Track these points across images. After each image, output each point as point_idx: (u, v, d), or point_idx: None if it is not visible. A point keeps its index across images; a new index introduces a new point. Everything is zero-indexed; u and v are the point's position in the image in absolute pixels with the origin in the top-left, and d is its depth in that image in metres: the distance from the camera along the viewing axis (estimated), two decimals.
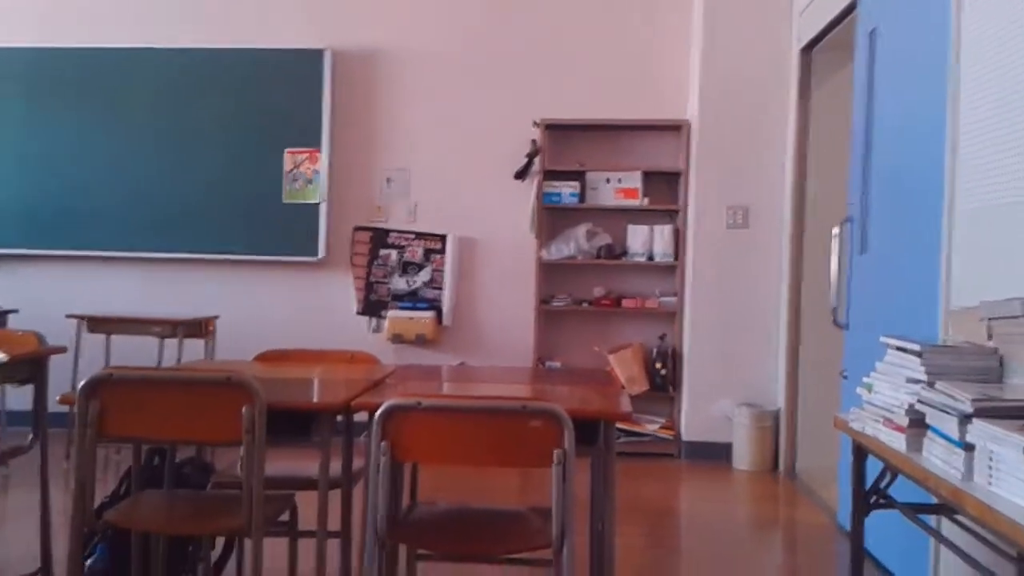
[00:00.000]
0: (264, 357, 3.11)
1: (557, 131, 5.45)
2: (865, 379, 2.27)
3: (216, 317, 5.14)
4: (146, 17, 5.66)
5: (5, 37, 5.67)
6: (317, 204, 5.48)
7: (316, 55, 5.48)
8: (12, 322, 5.23)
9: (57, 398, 2.38)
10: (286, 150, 5.51)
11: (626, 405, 2.28)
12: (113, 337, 5.05)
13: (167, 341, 5.02)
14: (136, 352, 5.33)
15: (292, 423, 2.32)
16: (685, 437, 5.13)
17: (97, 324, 4.83)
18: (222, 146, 5.51)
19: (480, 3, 5.53)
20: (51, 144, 5.58)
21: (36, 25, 5.70)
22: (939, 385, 1.91)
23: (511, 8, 5.52)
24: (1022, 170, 2.33)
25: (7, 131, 5.59)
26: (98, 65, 5.57)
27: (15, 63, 5.60)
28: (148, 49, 5.55)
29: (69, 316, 4.88)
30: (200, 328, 4.95)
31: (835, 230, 3.81)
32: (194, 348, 5.08)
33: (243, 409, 2.15)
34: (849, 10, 3.94)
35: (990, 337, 2.14)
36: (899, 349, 2.15)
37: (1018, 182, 2.34)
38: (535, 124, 5.36)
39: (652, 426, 5.21)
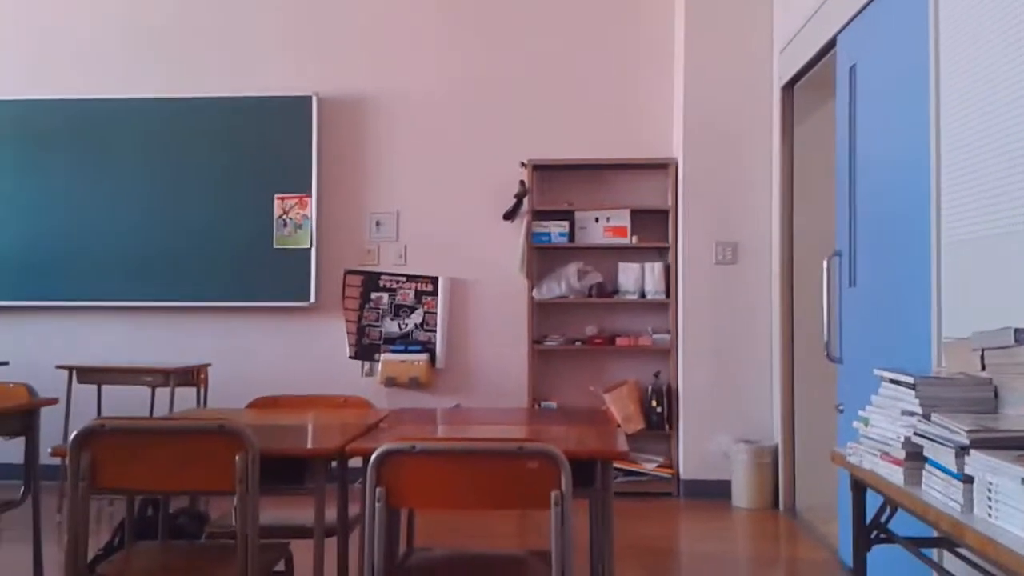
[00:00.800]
0: (256, 404, 3.10)
1: (545, 171, 5.49)
2: (861, 413, 2.27)
3: (208, 365, 5.11)
4: (133, 67, 5.70)
5: None
6: (307, 249, 5.48)
7: (304, 101, 5.52)
8: (2, 374, 5.19)
9: (49, 450, 2.36)
10: (275, 195, 5.52)
11: (623, 444, 2.27)
12: (104, 387, 5.02)
13: (159, 390, 4.99)
14: (128, 401, 5.29)
15: (286, 470, 2.31)
16: (683, 475, 5.11)
17: (88, 374, 4.80)
18: (212, 193, 5.53)
19: (465, 47, 5.60)
20: (40, 193, 5.58)
21: (24, 76, 5.73)
22: (935, 417, 1.91)
23: (496, 51, 5.59)
24: (1006, 201, 2.35)
25: None
26: (86, 115, 5.60)
27: (3, 114, 5.62)
28: (136, 99, 5.59)
29: (60, 367, 4.85)
30: (192, 376, 4.92)
31: (824, 264, 3.83)
32: (186, 396, 5.04)
33: (236, 457, 2.13)
34: (828, 47, 4.00)
35: (983, 367, 2.14)
36: (893, 382, 2.15)
37: (1003, 213, 2.37)
38: (523, 165, 5.40)
39: (650, 465, 5.18)
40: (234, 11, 5.68)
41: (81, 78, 5.71)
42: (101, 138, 5.59)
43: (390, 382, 5.38)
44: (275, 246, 5.49)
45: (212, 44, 5.68)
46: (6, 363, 5.22)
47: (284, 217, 5.50)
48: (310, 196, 5.50)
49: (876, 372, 2.25)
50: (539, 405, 5.35)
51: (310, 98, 5.52)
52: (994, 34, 2.42)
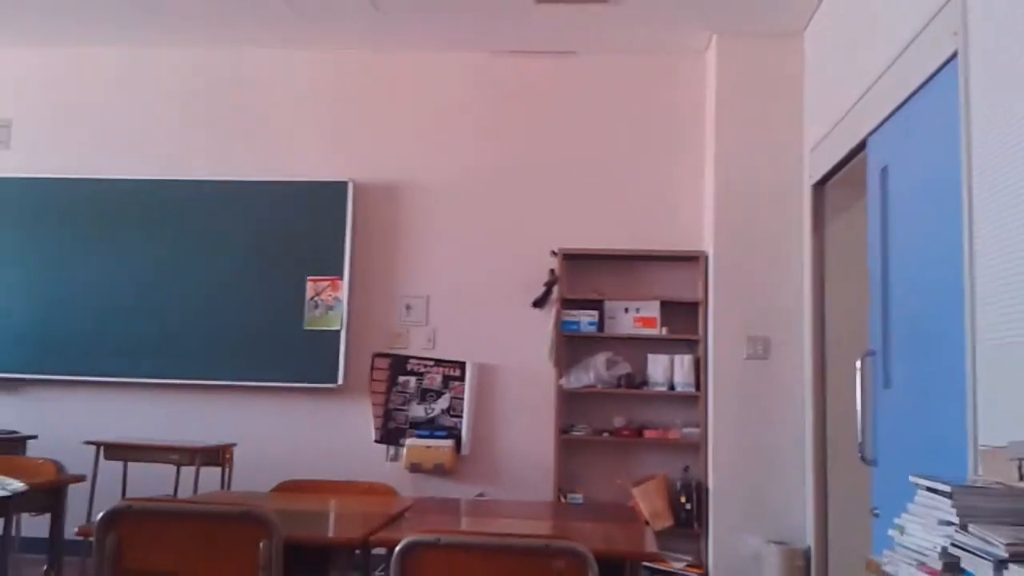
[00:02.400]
0: (282, 488, 3.09)
1: (575, 260, 5.53)
2: (897, 520, 2.22)
3: (234, 445, 5.12)
4: (176, 150, 5.87)
5: (36, 167, 5.88)
6: (338, 331, 5.53)
7: (340, 187, 5.64)
8: (31, 448, 5.23)
9: (75, 530, 2.36)
10: (308, 277, 5.60)
11: (652, 544, 2.23)
12: (130, 463, 5.03)
13: (184, 468, 4.99)
14: (153, 479, 5.29)
15: (309, 556, 2.29)
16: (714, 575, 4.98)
17: (115, 451, 4.82)
18: (246, 274, 5.62)
19: (498, 136, 5.72)
20: (75, 271, 5.70)
21: (68, 155, 5.91)
22: (972, 528, 1.86)
23: (528, 141, 5.70)
24: None
25: (32, 258, 5.72)
26: (124, 195, 5.75)
27: (41, 191, 5.79)
28: (176, 181, 5.74)
29: (87, 442, 4.87)
30: (218, 456, 4.93)
31: (858, 363, 3.79)
32: (211, 476, 5.04)
33: (260, 544, 2.12)
34: (859, 149, 4.04)
35: (1021, 478, 2.10)
36: (929, 489, 2.11)
37: None
38: (553, 253, 5.45)
39: (679, 564, 5.05)
40: (275, 100, 5.86)
41: (123, 159, 5.89)
42: (137, 217, 5.73)
43: (415, 468, 5.34)
44: (306, 327, 5.54)
45: (253, 130, 5.85)
46: (35, 437, 5.27)
47: (316, 299, 5.57)
48: (342, 279, 5.57)
49: (912, 479, 2.21)
50: (565, 497, 5.27)
51: (346, 184, 5.64)
52: None
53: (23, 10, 5.36)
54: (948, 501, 2.00)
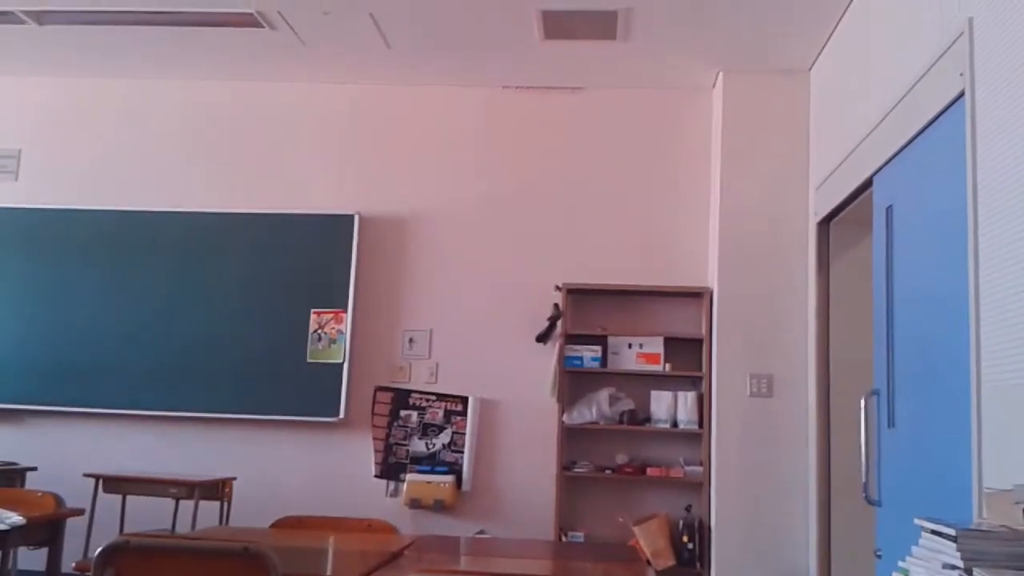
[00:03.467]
0: (281, 524, 3.06)
1: (579, 295, 5.53)
2: (901, 563, 2.19)
3: (233, 479, 5.08)
4: (181, 182, 5.90)
5: (44, 198, 5.91)
6: (340, 364, 5.52)
7: (347, 220, 5.66)
8: (31, 480, 5.21)
9: (73, 564, 2.34)
10: (312, 310, 5.60)
11: None
12: (129, 496, 5.00)
13: (183, 502, 4.96)
14: (151, 513, 5.26)
15: None
16: None
17: (114, 484, 4.78)
18: (248, 306, 5.62)
19: (503, 171, 5.74)
20: (80, 302, 5.70)
21: (72, 186, 5.94)
22: (976, 572, 1.84)
23: (533, 176, 5.72)
24: None
25: (37, 288, 5.73)
26: (129, 226, 5.77)
27: (47, 222, 5.81)
28: (179, 213, 5.76)
29: (87, 475, 4.84)
30: (217, 490, 4.90)
31: (862, 402, 3.77)
32: (210, 509, 5.00)
33: None
34: (864, 187, 4.05)
35: None
36: (934, 532, 2.08)
37: None
38: (557, 288, 5.45)
39: None
40: (283, 133, 5.90)
41: (130, 191, 5.92)
42: (137, 248, 5.74)
43: (414, 503, 5.30)
44: (308, 360, 5.53)
45: (261, 163, 5.88)
46: (35, 468, 5.24)
47: (319, 331, 5.56)
48: (346, 311, 5.57)
49: (917, 521, 2.19)
50: (566, 535, 5.22)
51: (353, 216, 5.66)
52: None
53: (34, 42, 5.43)
54: (953, 545, 1.98)
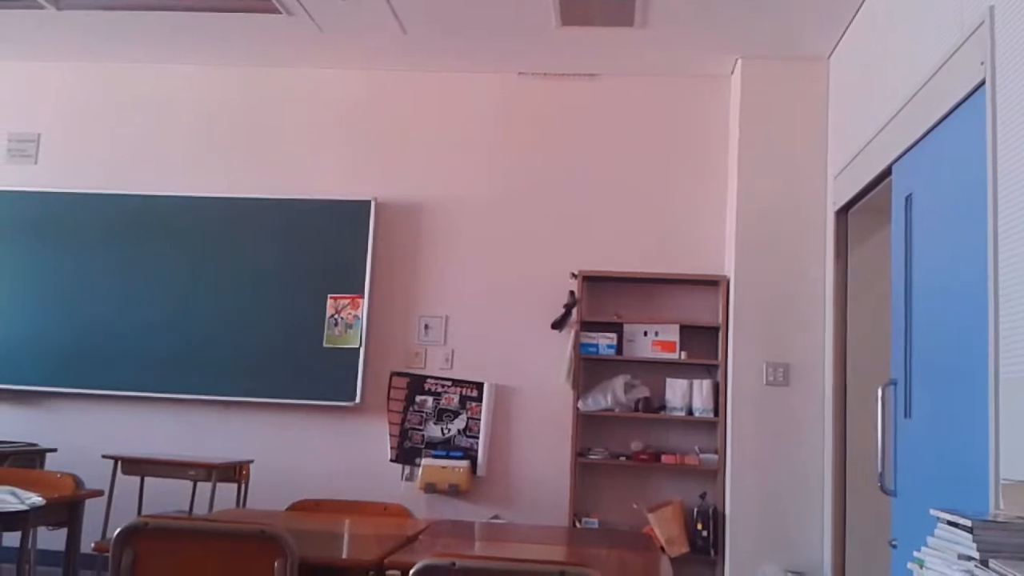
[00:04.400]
0: (297, 507, 3.09)
1: (595, 283, 5.53)
2: (916, 554, 2.19)
3: (250, 461, 5.13)
4: (198, 166, 5.93)
5: (63, 182, 5.95)
6: (356, 349, 5.54)
7: (363, 206, 5.67)
8: (50, 461, 5.27)
9: (92, 545, 2.37)
10: (329, 295, 5.62)
11: (667, 572, 2.21)
12: (147, 478, 5.05)
13: (200, 484, 5.00)
14: (169, 494, 5.31)
15: None
16: None
17: (133, 465, 4.83)
18: (266, 290, 5.65)
19: (520, 158, 5.74)
20: (99, 286, 5.75)
21: (92, 170, 5.98)
22: (992, 563, 1.84)
23: (550, 163, 5.71)
24: None
25: (56, 272, 5.78)
26: (147, 211, 5.80)
27: (66, 206, 5.85)
28: (198, 198, 5.78)
29: (105, 456, 4.90)
30: (234, 472, 4.94)
31: (879, 392, 3.76)
32: (227, 492, 5.05)
33: (275, 563, 2.12)
34: (883, 176, 4.02)
35: None
36: (950, 523, 2.08)
37: None
38: (573, 275, 5.44)
39: None
40: (301, 118, 5.91)
41: (148, 176, 5.95)
42: (158, 233, 5.78)
43: (429, 488, 5.33)
44: (325, 345, 5.56)
45: (278, 148, 5.90)
46: (54, 450, 5.30)
47: (336, 316, 5.59)
48: (362, 297, 5.59)
49: (933, 512, 2.18)
50: (580, 521, 5.24)
51: (369, 202, 5.67)
52: None
53: (52, 27, 5.45)
54: (969, 536, 1.98)
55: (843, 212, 4.84)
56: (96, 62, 6.08)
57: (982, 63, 2.87)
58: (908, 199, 3.64)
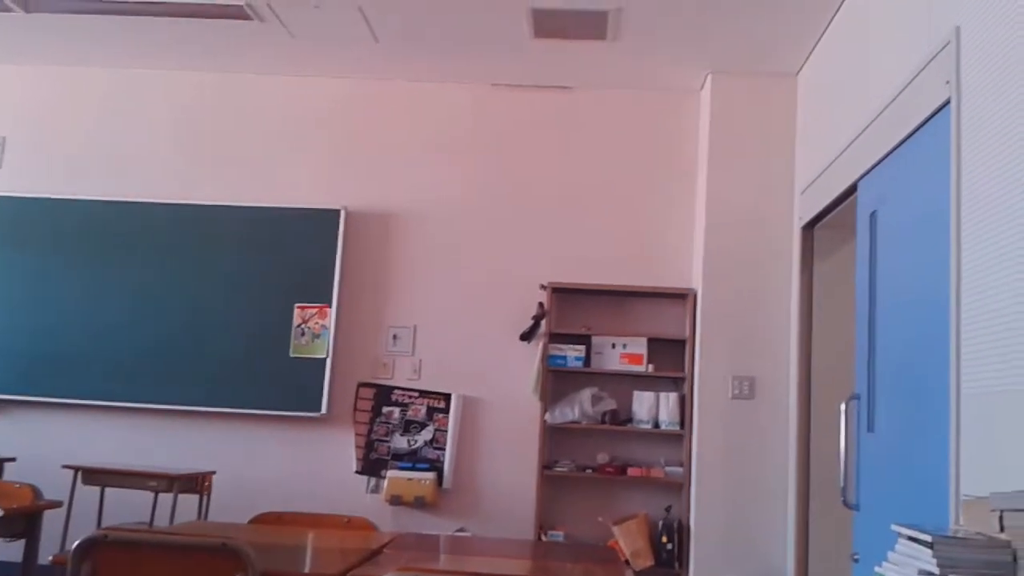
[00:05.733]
0: (260, 520, 3.05)
1: (564, 295, 5.54)
2: (877, 568, 2.20)
3: (213, 472, 5.06)
4: (165, 173, 5.86)
5: (26, 187, 5.86)
6: (323, 359, 5.50)
7: (332, 215, 5.64)
8: (8, 471, 5.17)
9: (50, 558, 2.32)
10: (296, 304, 5.58)
11: None
12: (108, 489, 4.97)
13: (162, 495, 4.93)
14: (130, 505, 5.23)
15: None
16: None
17: (93, 476, 4.75)
18: (232, 299, 5.59)
19: (490, 169, 5.74)
20: (61, 292, 5.66)
21: (59, 176, 5.89)
22: None
23: (520, 175, 5.72)
24: None
25: (18, 278, 5.68)
26: (112, 217, 5.73)
27: (29, 211, 5.76)
28: (165, 204, 5.72)
29: (66, 466, 4.81)
30: (196, 484, 4.88)
31: (842, 406, 3.79)
32: (189, 503, 4.98)
33: None
34: (849, 192, 4.07)
35: (1002, 529, 2.09)
36: (911, 538, 2.10)
37: None
38: (542, 287, 5.45)
39: None
40: (270, 126, 5.88)
41: (114, 181, 5.87)
42: (125, 240, 5.70)
43: (395, 500, 5.29)
44: (291, 355, 5.51)
45: (247, 155, 5.85)
46: (13, 459, 5.20)
47: (303, 326, 5.55)
48: (330, 307, 5.55)
49: (894, 527, 2.20)
50: (545, 534, 5.23)
51: (339, 211, 5.64)
52: (1021, 185, 2.46)
53: (21, 29, 5.38)
54: (929, 551, 2.00)
55: (809, 227, 4.89)
56: (64, 65, 6.00)
57: (947, 82, 2.91)
58: (873, 215, 3.68)
